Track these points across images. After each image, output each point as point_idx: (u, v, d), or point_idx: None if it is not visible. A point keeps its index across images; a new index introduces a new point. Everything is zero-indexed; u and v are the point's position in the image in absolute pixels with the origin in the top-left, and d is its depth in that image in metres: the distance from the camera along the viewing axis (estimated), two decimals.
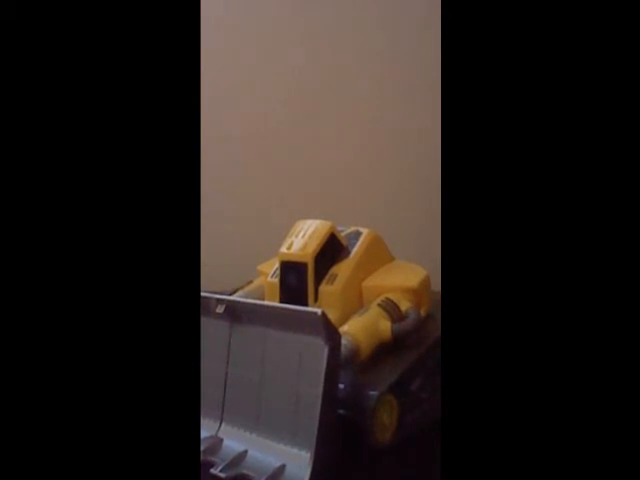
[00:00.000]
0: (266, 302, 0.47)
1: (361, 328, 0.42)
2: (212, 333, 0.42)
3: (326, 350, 0.35)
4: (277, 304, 0.45)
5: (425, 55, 0.70)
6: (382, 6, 0.73)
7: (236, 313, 0.41)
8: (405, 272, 0.48)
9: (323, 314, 0.35)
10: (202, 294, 0.40)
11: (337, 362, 0.36)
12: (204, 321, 0.40)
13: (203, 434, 0.40)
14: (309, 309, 0.40)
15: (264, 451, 0.38)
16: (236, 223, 0.82)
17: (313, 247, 0.45)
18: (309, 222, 0.48)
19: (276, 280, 0.47)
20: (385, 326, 0.43)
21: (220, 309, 0.41)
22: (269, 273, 0.49)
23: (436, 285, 0.46)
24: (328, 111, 0.77)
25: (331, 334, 0.36)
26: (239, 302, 0.42)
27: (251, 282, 0.53)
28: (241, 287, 0.52)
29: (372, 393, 0.38)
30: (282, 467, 0.37)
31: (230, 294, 0.50)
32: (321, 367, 0.35)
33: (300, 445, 0.37)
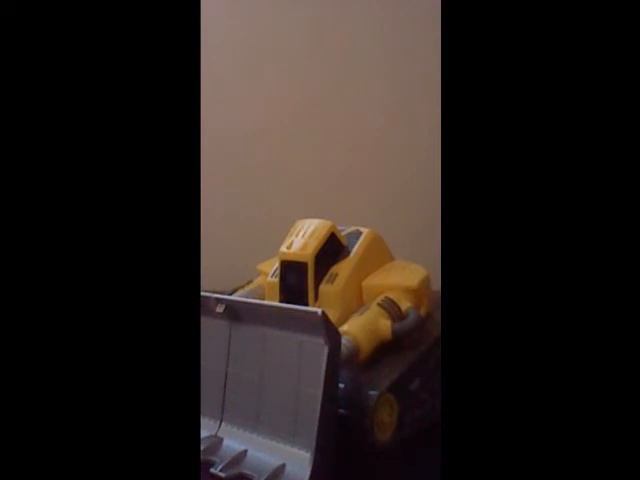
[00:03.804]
0: (266, 302, 0.47)
1: (361, 328, 0.42)
2: (212, 333, 0.42)
3: (326, 350, 0.35)
4: (277, 304, 0.45)
5: (425, 55, 0.70)
6: (383, 7, 0.73)
7: (236, 313, 0.41)
8: (405, 272, 0.48)
9: (323, 314, 0.35)
10: (202, 294, 0.40)
11: (337, 362, 0.36)
12: (204, 321, 0.40)
13: (203, 434, 0.40)
14: (309, 309, 0.40)
15: (264, 451, 0.38)
16: (236, 223, 0.82)
17: (313, 247, 0.45)
18: (309, 221, 0.47)
19: (276, 280, 0.47)
20: (385, 325, 0.43)
21: (220, 309, 0.41)
22: (269, 273, 0.49)
23: (436, 285, 0.46)
24: (328, 111, 0.77)
25: (331, 334, 0.36)
26: (239, 302, 0.42)
27: (251, 282, 0.53)
28: (241, 286, 0.52)
29: (372, 393, 0.38)
30: (282, 467, 0.37)
31: (230, 294, 0.50)
32: (321, 367, 0.35)
33: (300, 445, 0.37)
